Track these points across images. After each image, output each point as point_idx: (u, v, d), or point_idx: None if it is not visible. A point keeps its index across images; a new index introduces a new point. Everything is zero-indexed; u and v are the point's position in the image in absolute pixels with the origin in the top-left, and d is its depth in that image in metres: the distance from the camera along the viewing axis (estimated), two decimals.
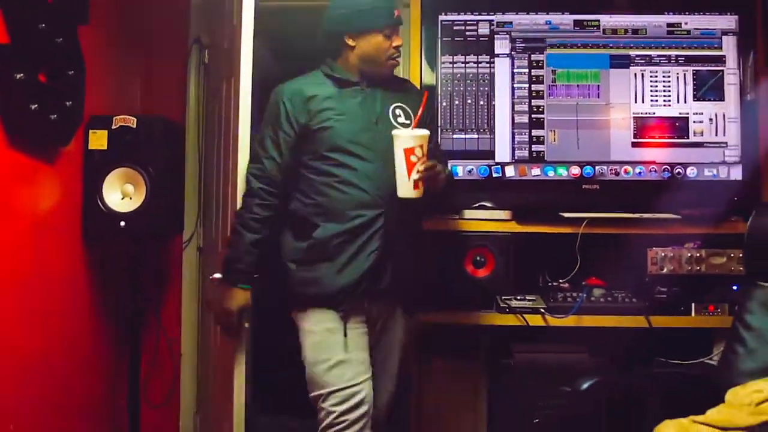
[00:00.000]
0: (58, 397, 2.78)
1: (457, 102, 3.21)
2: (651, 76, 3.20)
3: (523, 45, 3.23)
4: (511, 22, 3.23)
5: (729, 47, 3.21)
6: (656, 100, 3.20)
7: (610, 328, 3.00)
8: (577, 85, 3.21)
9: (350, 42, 2.58)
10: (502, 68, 3.23)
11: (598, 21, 3.22)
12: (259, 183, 2.57)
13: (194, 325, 3.59)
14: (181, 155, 3.35)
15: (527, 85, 3.22)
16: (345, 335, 2.50)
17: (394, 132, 2.48)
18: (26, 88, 2.44)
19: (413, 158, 2.43)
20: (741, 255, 2.97)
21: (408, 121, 2.63)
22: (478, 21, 3.23)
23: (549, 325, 3.02)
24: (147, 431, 3.25)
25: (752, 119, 3.17)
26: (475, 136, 3.21)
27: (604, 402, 2.24)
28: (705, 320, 3.03)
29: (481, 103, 3.22)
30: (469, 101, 3.22)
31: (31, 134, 2.55)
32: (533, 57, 3.22)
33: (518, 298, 3.07)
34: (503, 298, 3.07)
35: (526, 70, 3.22)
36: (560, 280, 3.17)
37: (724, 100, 3.19)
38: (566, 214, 3.10)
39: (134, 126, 2.97)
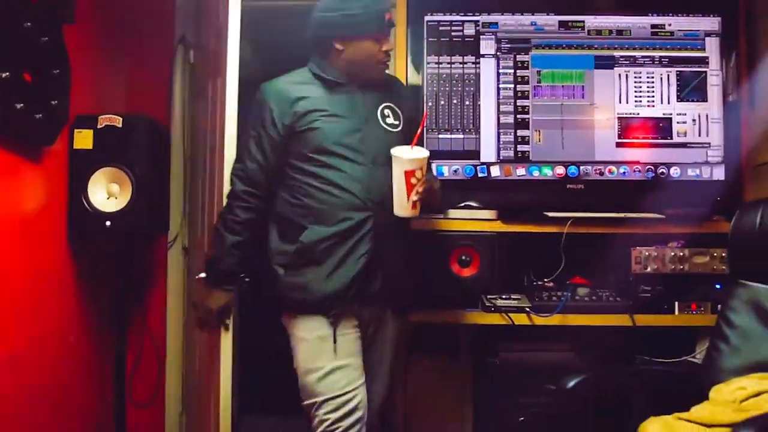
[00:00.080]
0: (44, 397, 2.77)
1: (442, 102, 3.22)
2: (635, 77, 3.23)
3: (509, 46, 3.24)
4: (496, 23, 3.24)
5: (712, 49, 3.24)
6: (640, 101, 3.22)
7: (594, 326, 3.02)
8: (562, 86, 3.23)
9: (339, 46, 2.53)
10: (487, 69, 3.24)
11: (583, 22, 3.24)
12: (242, 185, 2.56)
13: (179, 324, 3.58)
14: (167, 155, 3.34)
15: (512, 86, 3.23)
16: (336, 342, 2.46)
17: (395, 153, 2.45)
18: (11, 87, 2.42)
19: (413, 180, 2.42)
20: (724, 254, 3.00)
21: (397, 122, 2.62)
22: (463, 21, 3.25)
23: (534, 324, 3.03)
24: (133, 431, 3.24)
25: (735, 120, 3.20)
26: (461, 136, 3.22)
27: (590, 400, 2.26)
28: (688, 319, 3.06)
29: (467, 103, 3.23)
30: (455, 101, 3.23)
31: (16, 133, 2.53)
32: (518, 57, 3.24)
33: (503, 297, 3.08)
34: (489, 297, 3.08)
35: (512, 71, 3.24)
36: (545, 280, 3.18)
37: (707, 101, 3.22)
38: (551, 214, 3.12)
39: (120, 125, 2.95)
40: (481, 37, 3.24)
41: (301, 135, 2.52)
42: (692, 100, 3.22)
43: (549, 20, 3.25)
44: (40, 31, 2.58)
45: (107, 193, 2.97)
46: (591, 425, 2.35)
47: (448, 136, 3.21)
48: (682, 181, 3.20)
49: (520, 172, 3.21)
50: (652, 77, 3.23)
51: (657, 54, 3.24)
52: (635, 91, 3.23)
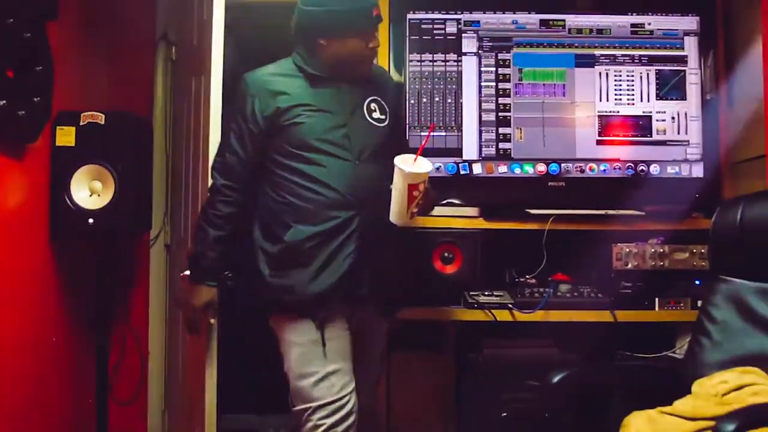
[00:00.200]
0: (25, 395, 2.76)
1: (425, 100, 3.24)
2: (615, 76, 3.26)
3: (490, 44, 3.26)
4: (478, 21, 3.26)
5: (690, 48, 3.27)
6: (620, 99, 3.26)
7: (576, 322, 3.05)
8: (543, 84, 3.26)
9: (323, 42, 2.46)
10: (469, 66, 3.26)
11: (564, 21, 3.27)
12: (221, 179, 2.51)
13: (162, 322, 3.58)
14: (150, 152, 3.33)
15: (494, 84, 3.25)
16: (325, 345, 2.41)
17: (400, 165, 2.37)
18: None
19: (416, 193, 2.38)
20: (703, 250, 3.04)
21: (383, 116, 2.57)
22: (445, 20, 3.26)
23: (516, 320, 3.05)
24: (114, 429, 3.23)
25: (713, 118, 3.24)
26: (443, 133, 3.23)
27: (573, 395, 2.28)
28: (668, 314, 3.09)
29: (449, 101, 3.25)
30: (437, 99, 3.24)
31: None
32: (500, 56, 3.26)
33: (486, 293, 3.09)
34: (471, 293, 3.09)
35: (493, 69, 3.25)
36: (527, 276, 3.19)
37: (685, 99, 3.26)
38: (533, 211, 3.14)
39: (102, 122, 2.93)
40: (463, 35, 3.26)
41: (284, 129, 2.46)
42: (671, 99, 3.26)
43: (530, 19, 3.27)
44: (23, 27, 2.57)
45: (90, 190, 2.95)
46: (573, 420, 2.37)
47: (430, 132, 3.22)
48: (661, 178, 3.23)
49: (502, 169, 3.23)
50: (632, 76, 3.26)
51: (637, 53, 3.27)
52: (615, 90, 3.26)
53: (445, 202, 3.17)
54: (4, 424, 2.60)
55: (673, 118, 3.25)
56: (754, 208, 2.33)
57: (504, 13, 3.27)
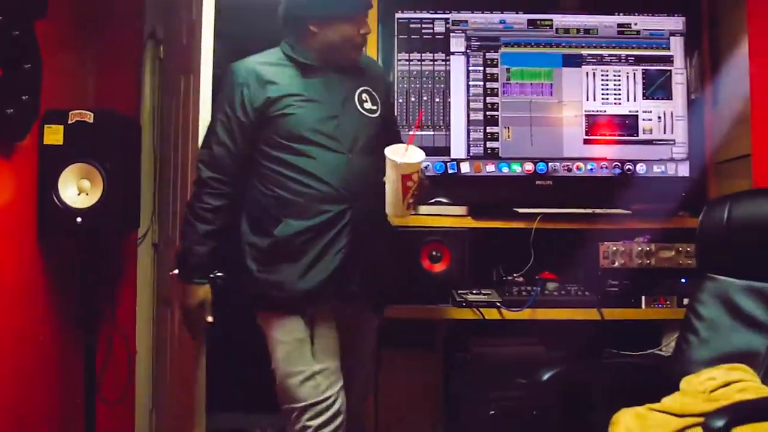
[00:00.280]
0: (12, 395, 2.75)
1: (413, 99, 3.25)
2: (602, 75, 3.28)
3: (478, 43, 3.28)
4: (466, 21, 3.28)
5: (676, 48, 3.31)
6: (607, 99, 3.28)
7: (563, 320, 3.07)
8: (531, 83, 3.28)
9: (313, 29, 2.41)
10: (457, 66, 3.28)
11: (551, 20, 3.29)
12: (209, 171, 2.42)
13: (149, 321, 3.56)
14: (138, 150, 3.31)
15: (482, 83, 3.27)
16: (314, 344, 2.36)
17: (391, 156, 2.34)
18: None
19: (410, 183, 2.35)
20: (689, 249, 3.08)
21: (375, 107, 2.52)
22: (434, 19, 3.28)
23: (504, 319, 3.06)
24: (102, 429, 3.21)
25: (698, 118, 3.27)
26: (431, 132, 3.24)
27: (562, 392, 2.29)
28: (655, 312, 3.12)
29: (437, 100, 3.26)
30: (425, 98, 3.26)
31: None
32: (488, 55, 3.28)
33: (474, 292, 3.11)
34: (459, 292, 3.10)
35: (481, 68, 3.27)
36: (515, 275, 3.20)
37: (671, 99, 3.29)
38: (520, 210, 3.17)
39: (91, 121, 2.92)
40: (451, 34, 3.28)
41: (274, 121, 2.40)
42: (657, 98, 3.29)
43: (518, 19, 3.29)
44: (12, 25, 2.55)
45: (78, 189, 2.93)
46: (561, 417, 2.38)
47: (419, 132, 3.21)
48: (648, 177, 3.26)
49: (490, 168, 3.24)
50: (619, 75, 3.29)
51: (623, 53, 3.30)
52: (602, 89, 3.28)
53: (433, 200, 3.18)
54: None
55: (659, 117, 3.28)
56: (740, 207, 2.36)
57: (492, 13, 3.29)
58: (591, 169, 3.25)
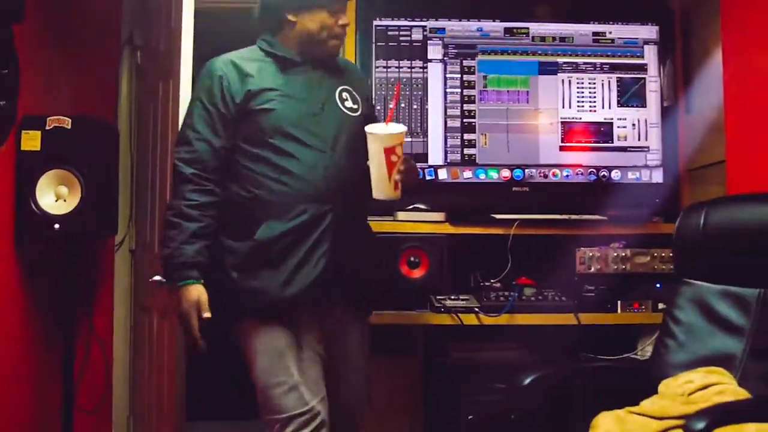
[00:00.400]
0: None
1: (390, 106, 3.26)
2: (577, 83, 3.32)
3: (456, 51, 3.30)
4: (443, 29, 3.30)
5: (650, 56, 3.35)
6: (582, 106, 3.32)
7: (540, 325, 3.09)
8: (507, 91, 3.31)
9: (291, 18, 2.35)
10: (435, 73, 3.29)
11: (528, 29, 3.32)
12: (190, 168, 2.29)
13: (126, 328, 3.55)
14: (116, 156, 3.29)
15: (459, 90, 3.29)
16: (298, 352, 2.28)
17: (371, 130, 2.28)
18: None
19: (394, 158, 2.26)
20: (664, 254, 3.12)
21: (356, 105, 2.46)
22: (411, 27, 3.29)
23: (483, 324, 3.08)
24: None
25: (672, 125, 3.32)
26: (409, 139, 3.24)
27: (543, 396, 2.31)
28: (630, 317, 3.15)
29: (415, 107, 3.28)
30: (403, 105, 3.27)
31: None
32: (465, 63, 3.30)
33: (452, 297, 3.12)
34: (438, 297, 3.11)
35: (458, 76, 3.30)
36: (492, 280, 3.22)
37: (646, 107, 3.33)
38: (498, 216, 3.19)
39: (69, 126, 2.89)
40: (429, 42, 3.30)
41: (254, 116, 2.31)
42: (632, 106, 3.33)
43: (495, 27, 3.32)
44: None
45: (55, 195, 2.90)
46: (541, 421, 2.40)
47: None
48: (622, 183, 3.29)
49: (467, 174, 3.27)
50: (594, 83, 3.33)
51: (598, 61, 3.34)
52: (577, 97, 3.32)
53: (411, 207, 3.19)
54: None
55: (633, 124, 3.32)
56: (716, 213, 2.40)
57: (469, 21, 3.31)
58: (567, 176, 3.28)
